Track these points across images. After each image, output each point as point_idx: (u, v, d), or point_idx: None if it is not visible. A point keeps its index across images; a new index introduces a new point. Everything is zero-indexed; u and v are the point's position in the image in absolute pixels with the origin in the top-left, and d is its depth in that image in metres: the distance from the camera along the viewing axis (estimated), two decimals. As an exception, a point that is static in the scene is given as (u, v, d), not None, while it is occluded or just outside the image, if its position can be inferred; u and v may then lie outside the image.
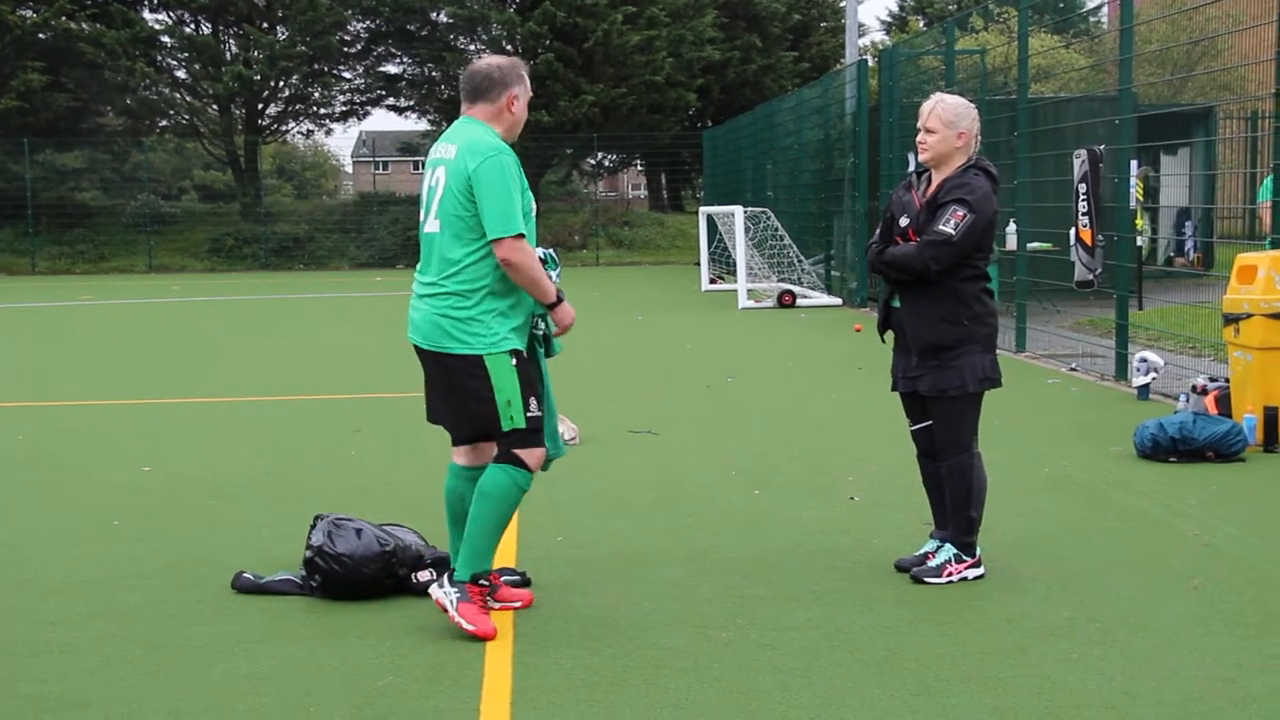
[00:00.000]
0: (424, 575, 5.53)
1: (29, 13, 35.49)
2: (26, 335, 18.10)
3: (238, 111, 39.77)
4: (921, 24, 43.62)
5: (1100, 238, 12.39)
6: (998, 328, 5.69)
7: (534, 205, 5.20)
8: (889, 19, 51.61)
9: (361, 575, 5.41)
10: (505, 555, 6.08)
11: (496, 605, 5.28)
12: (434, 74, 41.02)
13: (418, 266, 5.25)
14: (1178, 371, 11.00)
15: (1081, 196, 12.38)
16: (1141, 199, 15.53)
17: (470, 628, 4.96)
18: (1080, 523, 6.60)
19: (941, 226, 5.39)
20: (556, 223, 38.80)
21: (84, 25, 35.80)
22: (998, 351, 5.76)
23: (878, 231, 5.80)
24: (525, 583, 5.61)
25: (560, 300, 5.18)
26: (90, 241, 35.73)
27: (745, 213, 21.33)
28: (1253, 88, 22.63)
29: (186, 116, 40.23)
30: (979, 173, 5.52)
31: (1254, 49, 14.81)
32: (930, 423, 5.69)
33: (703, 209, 24.66)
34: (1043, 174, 14.21)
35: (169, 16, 38.83)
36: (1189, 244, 20.90)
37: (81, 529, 6.78)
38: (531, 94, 5.33)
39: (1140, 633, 4.91)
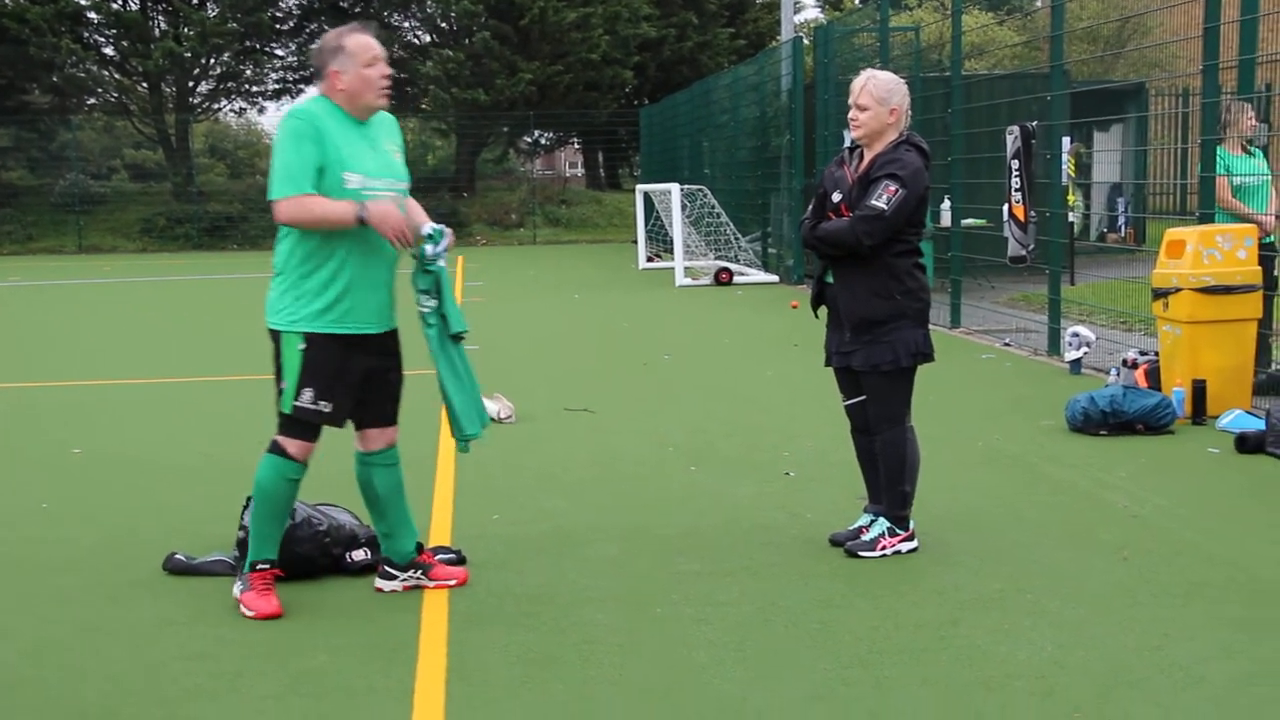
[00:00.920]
0: (358, 555, 5.52)
1: (-48, -12, 34.84)
2: (-46, 317, 17.82)
3: (168, 89, 39.23)
4: (856, 1, 43.79)
5: (1033, 214, 12.50)
6: (930, 302, 5.72)
7: (368, 182, 4.92)
8: (825, -4, 51.74)
9: (295, 555, 5.38)
10: (440, 533, 6.07)
11: (431, 584, 5.27)
12: (368, 51, 40.61)
13: None
14: (1109, 346, 11.14)
15: (1014, 173, 12.48)
16: (1074, 175, 15.68)
17: (250, 613, 4.98)
18: (1012, 496, 6.67)
19: (874, 201, 5.42)
20: (493, 201, 38.65)
21: (7, 0, 35.14)
22: (932, 327, 5.80)
23: (810, 207, 5.82)
24: (460, 560, 5.60)
25: (365, 215, 4.82)
26: (17, 222, 35.14)
27: (682, 190, 21.33)
28: (1183, 64, 22.91)
29: (115, 94, 39.63)
30: (911, 148, 5.55)
31: (1184, 26, 14.97)
32: (864, 398, 5.73)
33: (639, 187, 24.64)
34: (976, 150, 14.31)
35: (96, -9, 38.26)
36: (1121, 220, 21.14)
37: (10, 512, 6.70)
38: (372, 54, 4.94)
39: (1070, 603, 4.98)
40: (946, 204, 14.63)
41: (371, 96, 4.99)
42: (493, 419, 8.75)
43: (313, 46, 5.00)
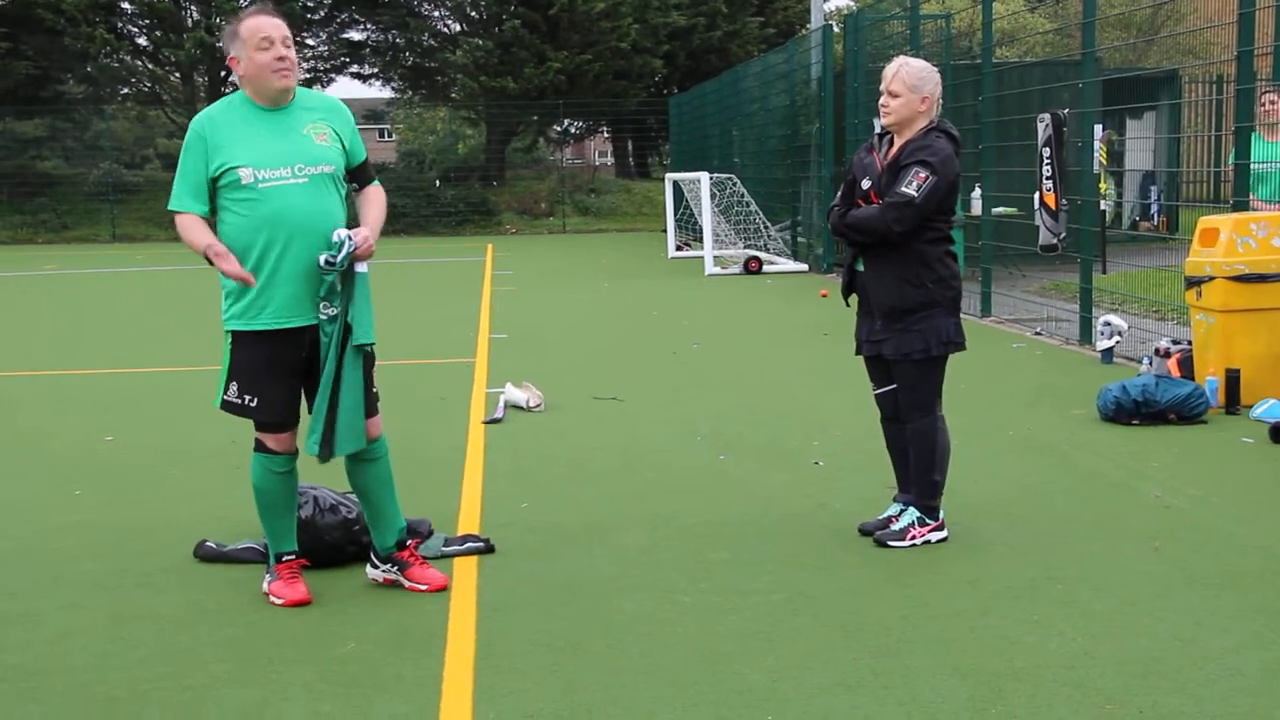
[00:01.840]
0: (387, 542, 5.51)
1: (-13, -21, 35.06)
2: (-13, 305, 17.94)
3: (200, 79, 39.37)
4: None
5: (1064, 202, 12.43)
6: (961, 291, 5.69)
7: (253, 174, 4.82)
8: (855, -16, 51.56)
9: (324, 543, 5.40)
10: (469, 521, 6.08)
11: (406, 583, 5.19)
12: (398, 41, 40.72)
13: None
14: (1141, 335, 11.06)
15: (1045, 161, 12.41)
16: (1105, 163, 15.58)
17: (279, 601, 5.00)
18: (1043, 485, 6.63)
19: (904, 188, 5.39)
20: (523, 190, 38.67)
21: (43, -8, 35.31)
22: (962, 316, 5.77)
23: (839, 194, 5.79)
24: (489, 549, 5.60)
25: (210, 255, 4.77)
26: (53, 211, 35.36)
27: (711, 179, 21.29)
28: (1217, 51, 22.72)
29: (148, 84, 39.82)
30: (941, 135, 5.52)
31: (1218, 12, 14.84)
32: (894, 386, 5.70)
33: (669, 176, 24.60)
34: (1007, 139, 14.22)
35: (129, -18, 38.41)
36: (1153, 208, 20.99)
37: (43, 498, 6.74)
38: (263, 35, 4.82)
39: (1101, 593, 4.94)
40: (977, 192, 14.55)
41: (268, 78, 4.87)
42: (521, 407, 8.78)
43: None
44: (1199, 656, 4.29)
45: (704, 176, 21.01)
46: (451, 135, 42.48)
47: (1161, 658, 4.29)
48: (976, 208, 14.72)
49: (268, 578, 5.14)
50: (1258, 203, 9.21)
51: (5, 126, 37.70)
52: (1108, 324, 10.40)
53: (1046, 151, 12.36)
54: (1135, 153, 21.28)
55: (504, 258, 24.73)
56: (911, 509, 5.68)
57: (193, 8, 38.67)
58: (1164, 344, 9.25)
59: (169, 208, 4.94)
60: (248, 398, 4.99)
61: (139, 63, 39.50)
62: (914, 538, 5.61)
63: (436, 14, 40.36)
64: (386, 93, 45.62)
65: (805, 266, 20.56)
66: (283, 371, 4.99)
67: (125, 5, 37.67)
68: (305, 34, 40.55)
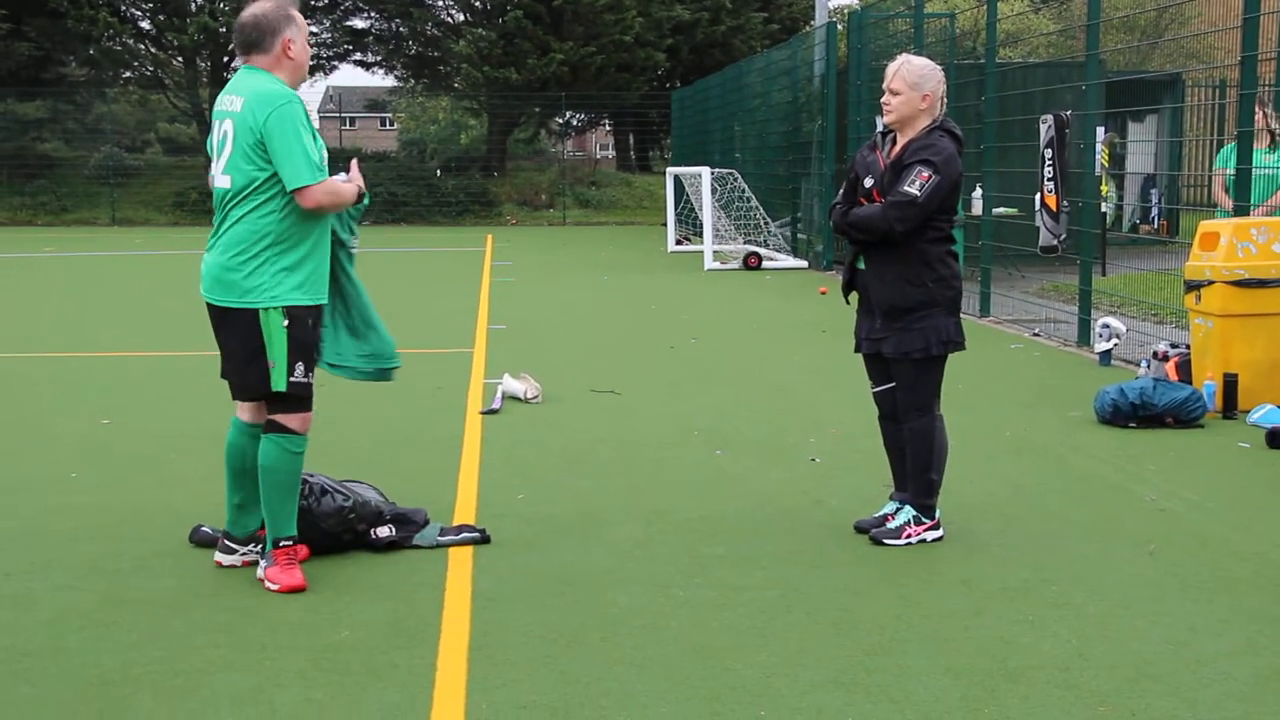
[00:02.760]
0: (383, 531, 5.53)
1: (-10, -41, 34.97)
2: (-14, 286, 17.92)
3: (203, 64, 39.33)
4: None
5: (1065, 203, 12.42)
6: (962, 290, 5.69)
7: (324, 154, 5.11)
8: (860, -18, 51.49)
9: (320, 530, 5.39)
10: (465, 512, 6.08)
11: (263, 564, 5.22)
12: (401, 29, 40.69)
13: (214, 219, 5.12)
14: (1140, 338, 11.07)
15: (1047, 162, 12.40)
16: (1107, 165, 15.58)
17: (275, 587, 5.00)
18: (1039, 487, 6.64)
19: (906, 188, 5.39)
20: (524, 181, 38.64)
21: (47, -27, 35.28)
22: (961, 316, 5.77)
23: (841, 192, 5.79)
24: (484, 540, 5.60)
25: (362, 194, 5.23)
26: (52, 193, 35.31)
27: (713, 174, 21.28)
28: (1220, 55, 22.70)
29: (151, 68, 39.78)
30: (944, 134, 5.51)
31: (1223, 16, 14.83)
32: (893, 385, 5.70)
33: (670, 170, 24.58)
34: (1009, 139, 14.22)
35: (133, -34, 38.37)
36: (1154, 211, 20.99)
37: (39, 480, 6.74)
38: (308, 31, 5.22)
39: (1095, 596, 4.95)
40: (978, 192, 14.54)
41: (303, 72, 5.19)
42: (519, 398, 8.78)
43: (240, 19, 4.97)
44: (1192, 660, 4.30)
45: (705, 171, 21.00)
46: (453, 125, 42.52)
47: (1155, 661, 4.29)
48: (977, 208, 14.71)
49: (264, 563, 5.13)
50: (1228, 202, 9.25)
51: (6, 108, 37.65)
52: (1106, 326, 10.41)
53: (1049, 153, 12.35)
54: (1136, 156, 21.27)
55: (504, 249, 24.73)
56: (907, 507, 5.68)
57: (196, -8, 38.64)
58: (1162, 347, 9.25)
59: (309, 180, 4.87)
60: (311, 375, 5.07)
61: (141, 46, 39.45)
62: (909, 536, 5.61)
63: (440, 3, 40.32)
64: (389, 81, 45.59)
65: (805, 263, 20.56)
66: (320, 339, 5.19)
67: (129, -12, 37.63)
68: (309, 21, 40.47)
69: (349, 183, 5.15)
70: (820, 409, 8.63)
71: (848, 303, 5.95)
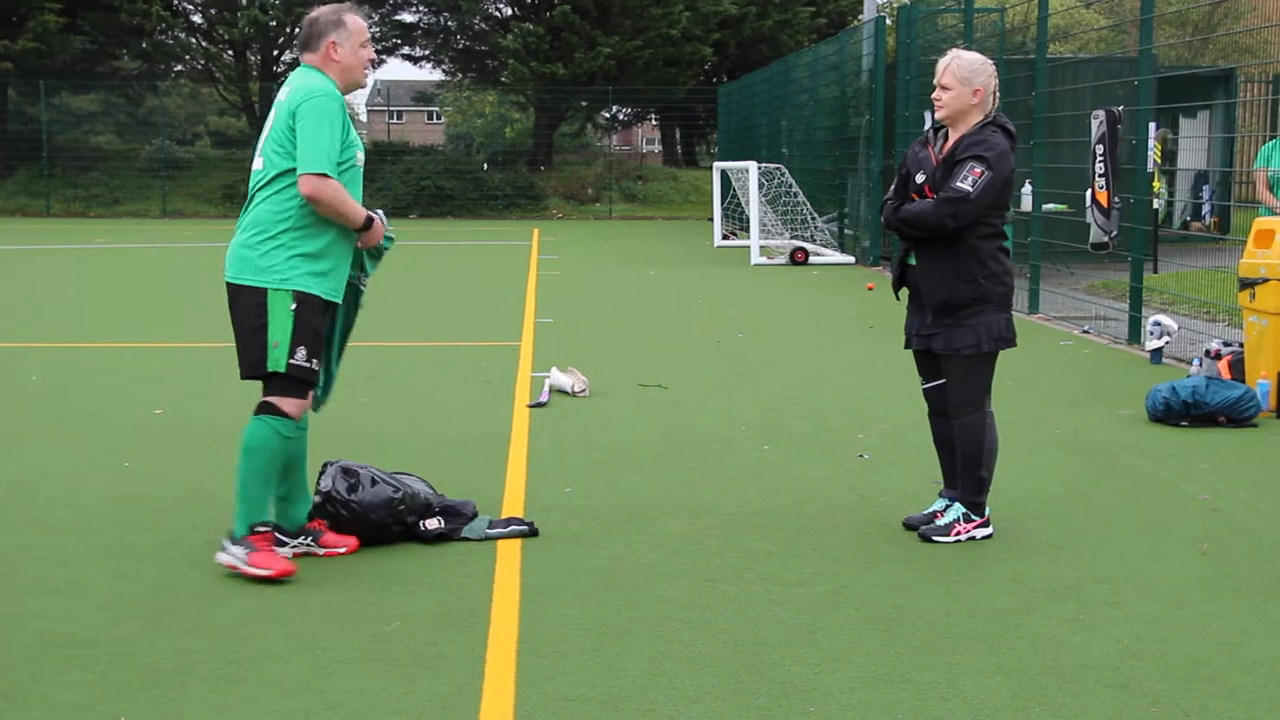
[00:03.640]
0: (432, 523, 5.55)
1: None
2: (41, 278, 18.11)
3: (253, 57, 39.63)
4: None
5: (1116, 200, 12.32)
6: (1013, 287, 5.66)
7: (360, 158, 5.18)
8: (909, -24, 51.16)
9: (370, 521, 5.42)
10: (513, 505, 6.09)
11: (321, 551, 5.31)
12: (449, 24, 40.80)
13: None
14: (1191, 336, 10.97)
15: (1099, 158, 12.29)
16: (1159, 161, 15.44)
17: (267, 572, 5.02)
18: (1089, 485, 6.59)
19: (959, 183, 5.36)
20: (570, 175, 38.69)
21: (100, -33, 35.60)
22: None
23: (893, 188, 5.76)
24: (533, 533, 5.62)
25: (370, 222, 5.19)
26: (105, 185, 35.66)
27: (759, 169, 21.23)
28: (1275, 50, 22.45)
29: (202, 61, 40.10)
30: (997, 130, 5.48)
31: (1276, 11, 14.67)
32: (943, 381, 5.67)
33: (717, 164, 24.54)
34: (1059, 135, 14.11)
35: (185, -40, 38.65)
36: (1205, 208, 20.79)
37: (93, 469, 6.81)
38: (366, 36, 5.23)
39: (1147, 595, 4.91)
40: (1027, 188, 14.44)
41: (360, 75, 5.23)
42: (567, 392, 8.80)
43: (308, 17, 5.09)
44: (1247, 662, 4.26)
45: (752, 166, 20.96)
46: (500, 119, 42.56)
47: (1209, 662, 4.25)
48: (1026, 204, 14.61)
49: (239, 550, 5.08)
50: (1273, 200, 9.15)
51: (61, 101, 38.05)
52: (1158, 324, 10.32)
53: (1100, 149, 12.24)
54: (1188, 152, 21.07)
55: (550, 242, 24.76)
56: (957, 505, 5.65)
57: (247, -14, 38.88)
58: (1215, 345, 9.16)
59: (314, 169, 4.94)
60: (314, 361, 5.11)
61: (193, 40, 39.78)
62: (959, 534, 5.58)
63: (488, -3, 40.38)
64: (437, 75, 45.72)
65: (852, 259, 20.49)
66: (324, 340, 5.22)
67: (181, -17, 37.92)
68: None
69: (374, 222, 5.21)
70: (868, 405, 8.60)
71: (898, 299, 5.93)
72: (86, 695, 4.00)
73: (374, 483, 5.51)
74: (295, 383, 5.09)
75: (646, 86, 38.16)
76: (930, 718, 3.85)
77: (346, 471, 5.55)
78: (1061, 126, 14.30)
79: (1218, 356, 8.93)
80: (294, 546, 5.31)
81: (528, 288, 16.21)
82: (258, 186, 5.10)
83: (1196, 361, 9.06)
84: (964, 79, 5.48)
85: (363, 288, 5.45)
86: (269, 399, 5.12)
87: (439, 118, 64.80)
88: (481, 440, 7.53)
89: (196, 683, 4.09)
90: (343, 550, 5.33)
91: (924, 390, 5.83)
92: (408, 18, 41.60)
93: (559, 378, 8.94)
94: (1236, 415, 7.93)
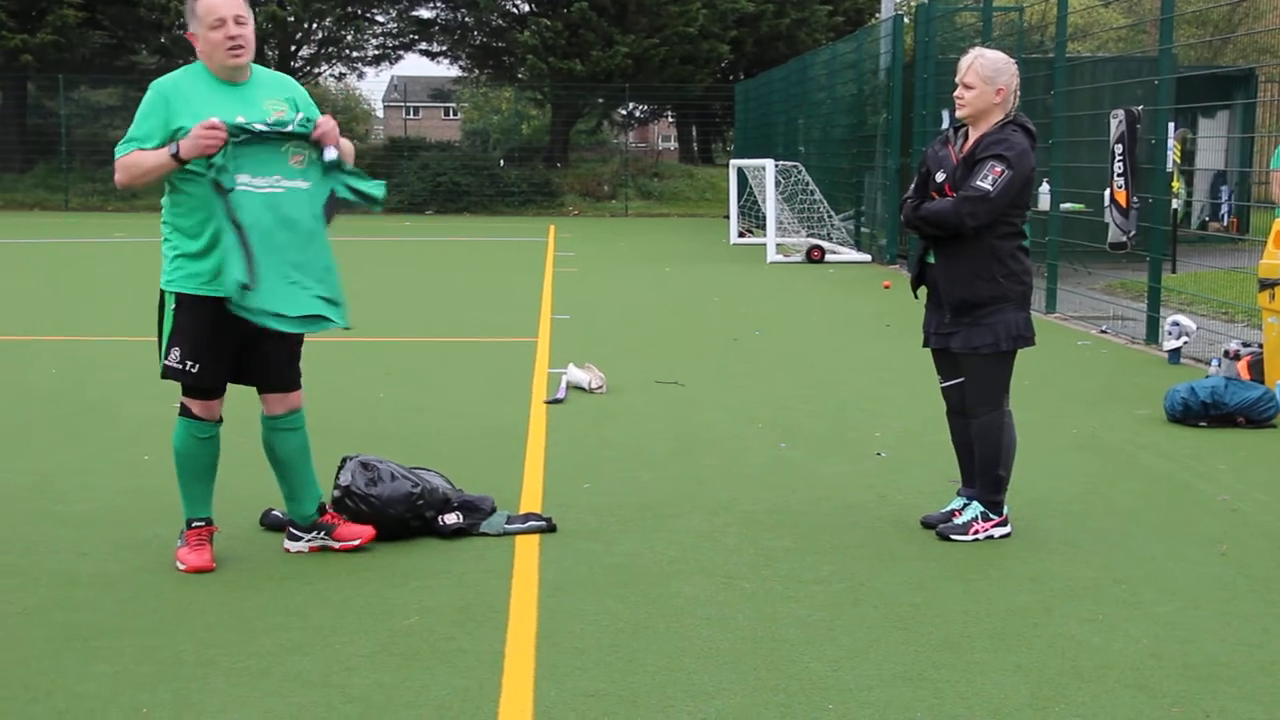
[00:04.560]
0: (450, 518, 5.56)
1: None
2: (59, 271, 18.18)
3: (271, 53, 39.64)
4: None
5: (1135, 200, 12.29)
6: (1032, 286, 5.65)
7: (178, 132, 4.86)
8: (926, -26, 51.03)
9: (388, 516, 5.44)
10: (531, 501, 6.11)
11: (336, 544, 5.31)
12: (467, 19, 40.82)
13: None
14: (1210, 336, 10.94)
15: (1118, 157, 12.26)
16: (1178, 161, 15.39)
17: (183, 567, 5.09)
18: (1107, 485, 6.58)
19: (979, 182, 5.35)
20: (586, 172, 38.69)
21: (119, -38, 35.70)
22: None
23: (912, 186, 5.76)
24: (551, 529, 5.63)
25: (178, 151, 4.81)
26: (122, 179, 35.71)
27: (776, 167, 21.22)
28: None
29: (219, 56, 40.16)
30: (1018, 129, 5.47)
31: (1297, 12, 14.63)
32: (961, 380, 5.67)
33: (734, 162, 24.54)
34: (1077, 134, 14.08)
35: (204, -45, 38.65)
36: (1224, 208, 20.73)
37: (112, 462, 6.84)
38: (217, 16, 4.89)
39: (1166, 595, 4.91)
40: (1045, 187, 14.42)
41: (221, 57, 4.96)
42: (584, 388, 8.81)
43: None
44: (1267, 662, 4.25)
45: (769, 163, 20.95)
46: (516, 115, 42.59)
47: (1229, 663, 4.25)
48: (1044, 203, 14.58)
49: (178, 542, 5.21)
50: None
51: (80, 95, 38.15)
52: (1176, 324, 10.30)
53: (1119, 148, 12.22)
54: (1207, 152, 21.01)
55: (566, 239, 24.77)
56: (975, 503, 5.65)
57: (265, -19, 38.95)
58: (1234, 346, 9.14)
59: (116, 153, 4.93)
60: (189, 363, 5.04)
61: (211, 35, 39.81)
62: (977, 532, 5.58)
63: (506, -7, 40.41)
64: (454, 71, 45.72)
65: (868, 257, 20.47)
66: (226, 339, 5.05)
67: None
68: (375, 10, 40.77)
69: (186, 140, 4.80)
70: (885, 403, 8.60)
71: (916, 297, 5.93)
72: (109, 687, 4.02)
73: (393, 477, 5.53)
74: (180, 384, 5.11)
75: (663, 84, 38.15)
76: (949, 716, 3.85)
77: (366, 466, 5.57)
78: (1080, 126, 14.27)
79: (1236, 357, 8.91)
80: (309, 541, 5.33)
81: (544, 284, 16.23)
82: None
83: (1215, 362, 9.04)
84: (987, 78, 5.47)
85: (239, 186, 4.86)
86: (180, 399, 5.17)
87: (456, 114, 64.81)
88: (499, 436, 7.55)
89: (219, 676, 4.11)
90: (357, 543, 5.32)
91: (942, 389, 5.83)
92: (425, 13, 41.66)
93: (576, 374, 8.95)
94: (1255, 416, 7.91)
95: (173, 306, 5.00)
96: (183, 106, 4.91)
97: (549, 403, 8.46)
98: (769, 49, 40.43)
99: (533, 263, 19.52)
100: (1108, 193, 12.47)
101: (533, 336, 11.49)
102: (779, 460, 7.05)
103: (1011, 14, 18.18)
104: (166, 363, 5.05)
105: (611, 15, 36.70)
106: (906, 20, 21.76)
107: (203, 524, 5.20)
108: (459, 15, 40.87)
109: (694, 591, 4.92)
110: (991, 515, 5.62)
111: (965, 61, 5.55)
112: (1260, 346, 8.79)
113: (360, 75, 52.32)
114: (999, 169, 5.36)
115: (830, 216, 21.97)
